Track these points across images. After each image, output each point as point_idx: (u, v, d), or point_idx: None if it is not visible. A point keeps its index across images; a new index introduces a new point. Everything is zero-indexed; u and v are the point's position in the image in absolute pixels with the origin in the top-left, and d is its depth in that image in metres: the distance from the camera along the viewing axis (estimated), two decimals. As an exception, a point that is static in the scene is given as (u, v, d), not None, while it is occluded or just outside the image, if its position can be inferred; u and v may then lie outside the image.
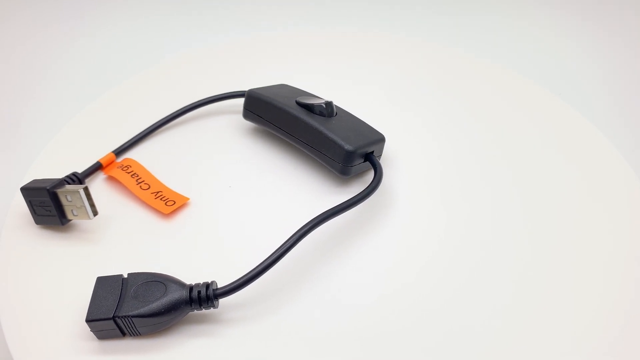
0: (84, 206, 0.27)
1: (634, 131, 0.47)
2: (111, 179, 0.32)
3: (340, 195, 0.31)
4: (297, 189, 0.32)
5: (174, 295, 0.24)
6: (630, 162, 0.34)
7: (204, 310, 0.25)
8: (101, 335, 0.24)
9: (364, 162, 0.31)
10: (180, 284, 0.25)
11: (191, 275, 0.26)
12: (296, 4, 0.62)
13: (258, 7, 0.61)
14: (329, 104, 0.32)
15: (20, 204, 0.30)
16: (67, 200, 0.28)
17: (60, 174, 0.31)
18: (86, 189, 0.27)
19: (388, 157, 0.34)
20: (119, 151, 0.33)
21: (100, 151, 0.33)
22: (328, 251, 0.29)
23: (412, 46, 0.44)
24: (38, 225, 0.29)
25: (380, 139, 0.32)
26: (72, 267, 0.28)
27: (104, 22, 0.59)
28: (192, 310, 0.24)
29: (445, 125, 0.36)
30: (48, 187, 0.27)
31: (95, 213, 0.28)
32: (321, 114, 0.32)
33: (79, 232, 0.29)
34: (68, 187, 0.28)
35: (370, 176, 0.33)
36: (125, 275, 0.25)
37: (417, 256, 0.28)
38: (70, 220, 0.29)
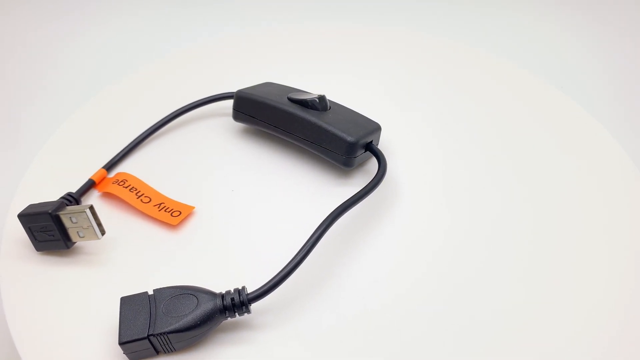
0: (92, 226, 0.26)
1: (635, 125, 0.49)
2: (106, 195, 0.31)
3: (344, 187, 0.32)
4: (299, 185, 0.32)
5: (207, 305, 0.23)
6: (632, 156, 0.34)
7: (237, 317, 0.24)
8: (134, 356, 0.23)
9: (364, 152, 0.32)
10: (211, 294, 0.24)
11: (214, 284, 0.25)
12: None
13: (231, 5, 0.60)
14: (322, 98, 0.32)
15: (14, 231, 0.28)
16: (72, 222, 0.26)
17: (48, 195, 0.29)
18: (92, 208, 0.26)
19: (383, 145, 0.34)
20: (110, 166, 0.32)
21: (87, 166, 0.32)
22: (341, 245, 0.29)
23: (402, 38, 0.44)
24: (39, 252, 0.28)
25: (376, 128, 0.32)
26: (87, 291, 0.26)
27: (84, 27, 0.56)
28: (227, 318, 0.24)
29: (437, 111, 0.37)
30: (50, 211, 0.26)
31: (103, 232, 0.27)
32: (315, 108, 0.32)
33: (85, 255, 0.28)
34: (72, 207, 0.26)
35: (369, 165, 0.33)
36: (151, 292, 0.24)
37: (427, 246, 0.29)
38: (75, 242, 0.27)
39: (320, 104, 0.32)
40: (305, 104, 0.32)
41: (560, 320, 0.26)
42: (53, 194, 0.30)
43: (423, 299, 0.26)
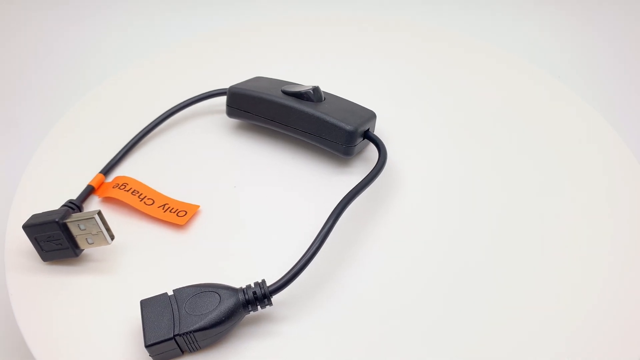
0: (101, 232, 0.26)
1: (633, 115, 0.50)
2: (107, 200, 0.30)
3: (345, 175, 0.32)
4: (301, 177, 0.32)
5: (230, 301, 0.24)
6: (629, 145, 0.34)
7: (259, 311, 0.25)
8: (160, 358, 0.23)
9: (362, 140, 0.32)
10: (232, 289, 0.24)
11: (229, 280, 0.25)
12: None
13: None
14: (316, 89, 0.32)
15: (16, 244, 0.28)
16: (80, 229, 0.26)
17: (45, 205, 0.29)
18: (100, 214, 0.26)
19: (378, 133, 0.34)
20: (106, 170, 0.31)
21: (81, 171, 0.32)
22: (347, 233, 0.29)
23: (389, 27, 0.44)
24: (45, 263, 0.27)
25: (372, 116, 0.33)
26: (102, 298, 0.26)
27: (71, 25, 0.55)
28: (249, 312, 0.24)
29: (431, 99, 0.37)
30: (57, 219, 0.25)
31: (112, 237, 0.26)
32: (310, 99, 0.32)
33: (94, 262, 0.27)
34: (79, 214, 0.26)
35: (366, 153, 0.33)
36: (171, 293, 0.24)
37: (439, 230, 0.29)
38: (83, 250, 0.27)
39: (315, 95, 0.32)
40: (300, 95, 0.32)
41: (562, 317, 0.26)
42: (50, 203, 0.29)
43: (440, 283, 0.27)
